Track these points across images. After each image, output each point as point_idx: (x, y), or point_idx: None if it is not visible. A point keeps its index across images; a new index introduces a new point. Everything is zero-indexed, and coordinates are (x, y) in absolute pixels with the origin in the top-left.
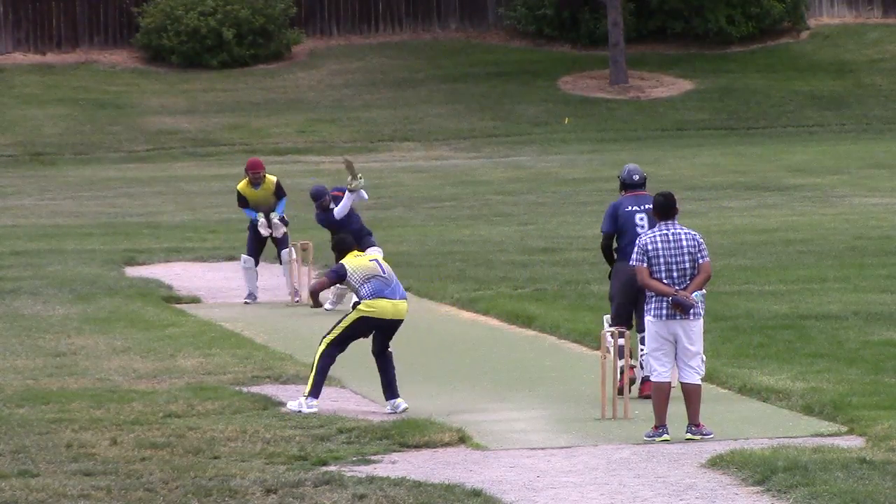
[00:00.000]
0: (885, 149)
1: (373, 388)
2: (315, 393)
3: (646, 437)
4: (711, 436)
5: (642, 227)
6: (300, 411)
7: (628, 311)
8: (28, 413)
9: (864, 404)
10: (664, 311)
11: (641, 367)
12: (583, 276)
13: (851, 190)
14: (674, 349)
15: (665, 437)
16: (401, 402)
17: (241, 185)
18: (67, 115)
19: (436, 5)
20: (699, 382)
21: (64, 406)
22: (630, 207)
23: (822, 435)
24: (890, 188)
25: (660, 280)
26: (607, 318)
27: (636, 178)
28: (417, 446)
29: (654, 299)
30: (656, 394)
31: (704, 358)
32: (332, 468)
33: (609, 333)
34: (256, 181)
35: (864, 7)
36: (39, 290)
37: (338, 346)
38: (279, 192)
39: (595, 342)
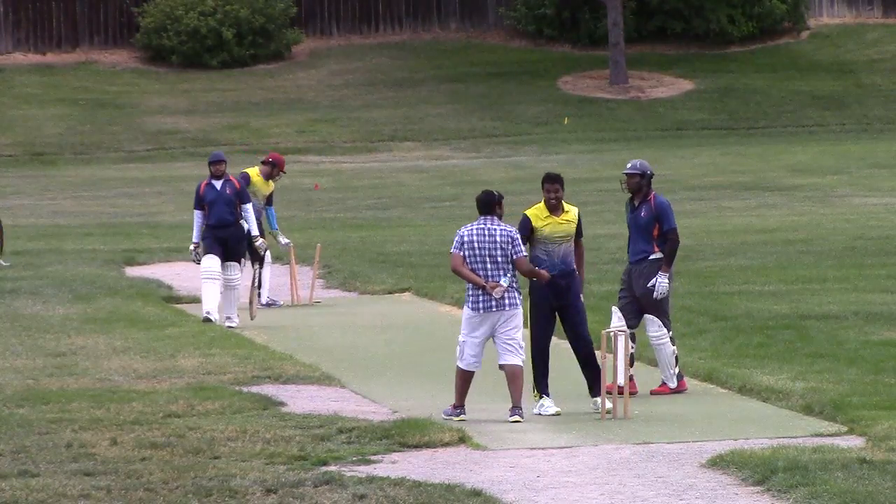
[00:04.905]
0: (885, 149)
1: (373, 388)
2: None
3: (444, 414)
4: (521, 419)
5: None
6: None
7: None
8: (28, 413)
9: (864, 404)
10: (481, 304)
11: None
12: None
13: (851, 190)
14: (486, 340)
15: (462, 416)
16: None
17: (255, 172)
18: (67, 115)
19: (436, 5)
20: (520, 363)
21: (64, 406)
22: None
23: (822, 435)
24: (890, 188)
25: (475, 270)
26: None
27: None
28: (417, 446)
29: (470, 292)
30: (460, 378)
31: (523, 344)
32: (332, 468)
33: (611, 334)
34: (276, 176)
35: (864, 7)
36: (39, 290)
37: None
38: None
39: (595, 342)
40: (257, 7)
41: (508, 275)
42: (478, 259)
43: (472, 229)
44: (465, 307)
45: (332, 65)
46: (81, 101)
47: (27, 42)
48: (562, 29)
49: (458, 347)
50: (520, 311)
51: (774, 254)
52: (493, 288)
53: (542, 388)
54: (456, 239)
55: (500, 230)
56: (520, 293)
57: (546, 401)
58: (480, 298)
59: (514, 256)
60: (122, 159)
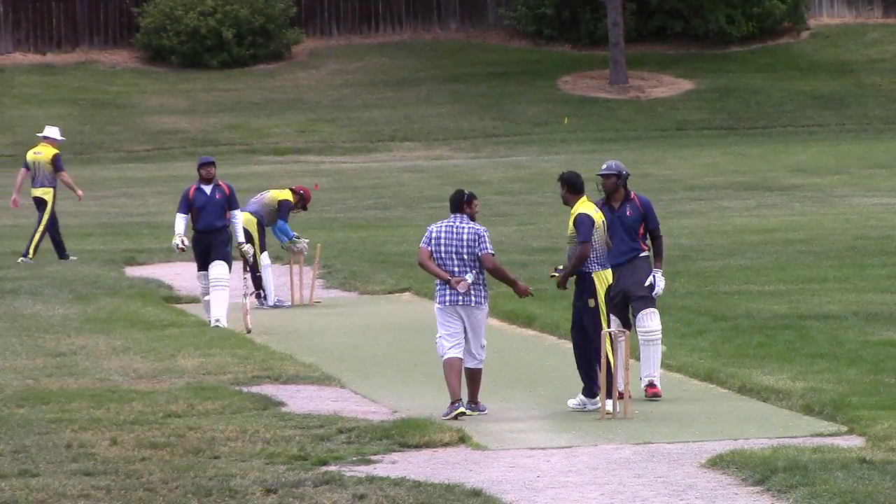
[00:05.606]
0: (885, 149)
1: (373, 388)
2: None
3: (443, 416)
4: (486, 412)
5: None
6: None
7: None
8: (28, 413)
9: (864, 404)
10: (447, 298)
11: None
12: None
13: (851, 190)
14: (462, 330)
15: (460, 409)
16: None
17: (290, 196)
18: (67, 115)
19: (436, 5)
20: (480, 367)
21: (64, 406)
22: None
23: (822, 435)
24: (890, 188)
25: (442, 265)
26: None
27: None
28: (417, 446)
29: (438, 287)
30: (448, 370)
31: (485, 343)
32: (332, 468)
33: (610, 334)
34: (298, 209)
35: (864, 7)
36: (39, 290)
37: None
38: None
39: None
40: (257, 7)
41: (474, 271)
42: (444, 255)
43: (441, 226)
44: (435, 303)
45: (331, 65)
46: (81, 101)
47: (27, 42)
48: (562, 29)
49: (437, 344)
50: (485, 308)
51: (774, 254)
52: (458, 283)
53: (583, 382)
54: (426, 234)
55: (468, 228)
56: (486, 290)
57: (581, 398)
58: (447, 293)
59: (480, 253)
60: (122, 159)
